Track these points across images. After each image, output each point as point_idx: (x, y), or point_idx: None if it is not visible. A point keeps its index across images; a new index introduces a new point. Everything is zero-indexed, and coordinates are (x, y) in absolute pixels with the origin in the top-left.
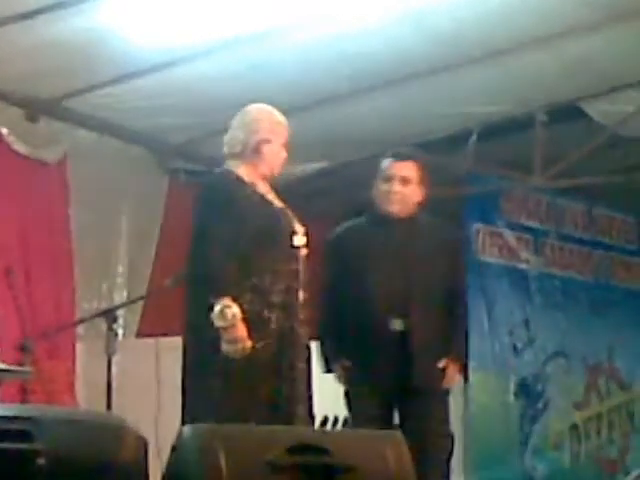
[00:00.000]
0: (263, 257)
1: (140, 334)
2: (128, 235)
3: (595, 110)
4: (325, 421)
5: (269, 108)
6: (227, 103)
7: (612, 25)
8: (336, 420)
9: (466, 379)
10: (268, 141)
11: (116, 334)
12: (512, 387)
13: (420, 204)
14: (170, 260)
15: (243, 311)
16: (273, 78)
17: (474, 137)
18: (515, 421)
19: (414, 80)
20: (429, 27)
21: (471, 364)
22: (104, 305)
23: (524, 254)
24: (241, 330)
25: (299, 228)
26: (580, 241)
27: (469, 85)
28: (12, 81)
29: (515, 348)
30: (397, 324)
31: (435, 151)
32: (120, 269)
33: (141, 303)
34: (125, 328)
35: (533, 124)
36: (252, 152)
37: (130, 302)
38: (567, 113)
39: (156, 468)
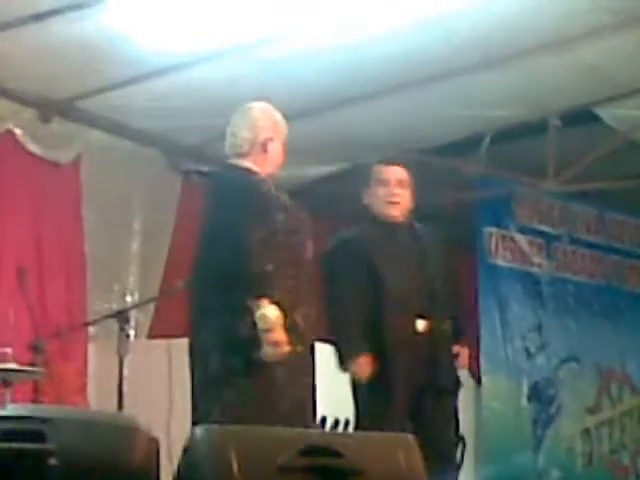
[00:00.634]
0: (291, 257)
1: (152, 335)
2: (140, 236)
3: (608, 115)
4: (336, 424)
5: (270, 106)
6: (240, 105)
7: (626, 30)
8: (347, 423)
9: (479, 382)
10: (272, 139)
11: (128, 335)
12: (525, 391)
13: (411, 209)
14: (182, 261)
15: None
16: (286, 80)
17: (487, 141)
18: (528, 425)
19: (429, 83)
20: (445, 31)
21: (483, 368)
22: (116, 306)
23: (536, 258)
24: (282, 334)
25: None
26: (592, 245)
27: (483, 89)
28: (26, 82)
29: (528, 352)
30: (420, 325)
31: (448, 154)
32: (132, 270)
33: (153, 304)
34: (137, 329)
35: (546, 128)
36: (259, 151)
37: (142, 303)
38: (580, 118)
39: (167, 469)
